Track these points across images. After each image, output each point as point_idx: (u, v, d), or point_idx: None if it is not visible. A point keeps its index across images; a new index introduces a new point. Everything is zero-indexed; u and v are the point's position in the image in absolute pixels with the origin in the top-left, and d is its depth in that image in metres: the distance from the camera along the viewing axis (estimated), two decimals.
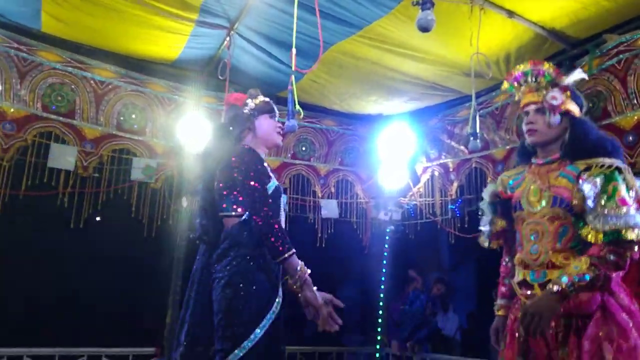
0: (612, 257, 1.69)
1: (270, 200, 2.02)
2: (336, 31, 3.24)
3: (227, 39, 3.50)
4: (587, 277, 1.67)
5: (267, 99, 2.31)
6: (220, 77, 3.64)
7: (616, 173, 1.79)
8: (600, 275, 1.68)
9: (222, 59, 3.69)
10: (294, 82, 2.24)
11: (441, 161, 4.31)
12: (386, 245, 4.87)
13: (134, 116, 3.94)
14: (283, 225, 2.06)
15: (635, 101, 2.98)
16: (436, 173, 4.37)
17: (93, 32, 3.52)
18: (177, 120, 3.93)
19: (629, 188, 1.79)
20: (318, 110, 4.50)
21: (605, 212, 1.72)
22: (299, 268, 1.94)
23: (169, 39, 3.53)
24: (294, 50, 2.38)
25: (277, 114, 2.28)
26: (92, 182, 3.78)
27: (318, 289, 2.01)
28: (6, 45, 3.45)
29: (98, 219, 4.79)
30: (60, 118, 3.68)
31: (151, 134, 3.98)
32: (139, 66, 3.91)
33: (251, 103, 2.26)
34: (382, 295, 4.93)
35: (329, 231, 4.61)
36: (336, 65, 3.67)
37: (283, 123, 2.37)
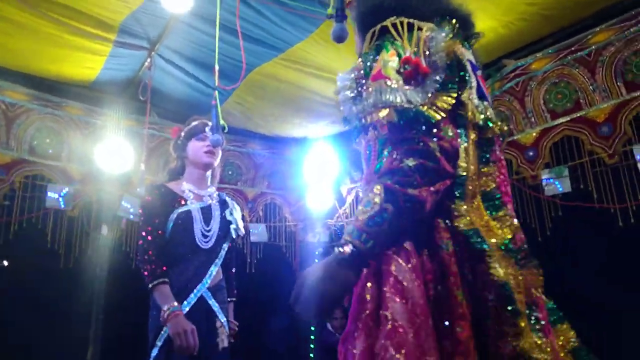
0: None
1: (165, 228, 2.19)
2: (259, 53, 3.32)
3: (148, 60, 3.47)
4: None
5: (195, 123, 2.40)
6: (141, 98, 3.59)
7: None
8: None
9: (143, 80, 3.65)
10: (217, 97, 2.27)
11: None
12: None
13: (48, 140, 3.77)
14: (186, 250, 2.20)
15: (533, 119, 3.30)
16: (360, 194, 4.52)
17: (3, 51, 3.36)
18: (95, 145, 3.79)
19: None
20: (243, 133, 4.53)
21: None
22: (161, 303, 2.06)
23: (86, 60, 3.45)
24: (216, 67, 2.42)
25: (206, 135, 2.33)
26: (3, 210, 3.55)
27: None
28: None
29: (5, 263, 4.49)
30: None
31: (67, 159, 3.81)
32: (53, 88, 3.75)
33: (183, 131, 2.40)
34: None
35: (258, 256, 4.59)
36: (259, 87, 3.74)
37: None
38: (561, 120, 3.18)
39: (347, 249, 1.04)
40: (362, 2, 1.37)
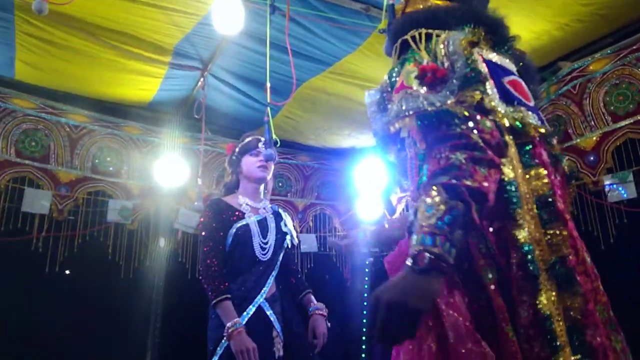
0: None
1: (226, 242, 2.26)
2: (307, 68, 3.36)
3: (201, 79, 3.59)
4: None
5: (248, 139, 2.46)
6: (195, 116, 3.71)
7: None
8: None
9: (197, 99, 3.77)
10: (269, 113, 2.32)
11: None
12: (367, 278, 4.88)
13: (109, 159, 3.96)
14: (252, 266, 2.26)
15: (593, 123, 3.16)
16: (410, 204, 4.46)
17: (67, 78, 3.57)
18: (153, 162, 3.95)
19: None
20: (293, 146, 4.58)
21: None
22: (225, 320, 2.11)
23: (143, 82, 3.60)
24: (268, 84, 2.47)
25: (260, 150, 2.38)
26: (68, 225, 3.75)
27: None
28: None
29: (67, 272, 4.74)
30: (35, 163, 3.67)
31: (127, 176, 3.98)
32: (113, 110, 3.95)
33: (237, 147, 2.46)
34: (364, 329, 4.90)
35: (309, 265, 4.61)
36: (309, 101, 3.79)
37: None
38: (623, 122, 3.03)
39: (423, 257, 0.94)
40: (396, 20, 1.39)
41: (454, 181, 0.98)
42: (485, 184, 0.99)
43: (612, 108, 3.09)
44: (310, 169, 4.76)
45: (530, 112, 1.19)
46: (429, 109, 1.09)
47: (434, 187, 0.99)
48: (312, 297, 2.43)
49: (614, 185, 3.07)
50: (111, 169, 3.96)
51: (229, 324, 2.06)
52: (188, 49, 3.27)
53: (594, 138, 3.16)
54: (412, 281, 0.94)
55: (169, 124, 4.04)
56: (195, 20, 2.93)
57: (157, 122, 4.08)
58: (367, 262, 4.83)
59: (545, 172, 1.15)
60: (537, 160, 1.16)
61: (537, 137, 1.18)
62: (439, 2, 1.34)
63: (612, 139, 3.09)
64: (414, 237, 0.98)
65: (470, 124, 1.05)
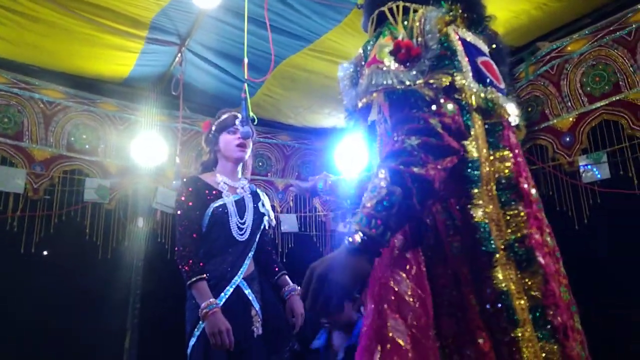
0: None
1: (202, 221, 2.24)
2: (287, 45, 3.32)
3: (179, 55, 3.52)
4: None
5: (225, 116, 2.43)
6: (173, 93, 3.65)
7: None
8: None
9: (174, 75, 3.71)
10: (247, 90, 2.29)
11: None
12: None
13: (84, 136, 3.87)
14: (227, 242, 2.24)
15: (570, 103, 3.19)
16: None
17: (40, 52, 3.46)
18: (130, 140, 3.89)
19: None
20: (273, 125, 4.56)
21: None
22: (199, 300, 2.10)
23: (119, 57, 3.52)
24: (245, 60, 2.43)
25: (237, 128, 2.35)
26: (43, 204, 3.68)
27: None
28: None
29: (45, 253, 4.67)
30: (8, 140, 3.58)
31: (104, 154, 3.91)
32: (89, 85, 3.85)
33: (214, 125, 2.42)
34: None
35: (290, 245, 4.62)
36: (288, 79, 3.75)
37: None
38: (599, 104, 3.06)
39: (358, 237, 0.98)
40: None
41: (401, 167, 1.01)
42: (432, 172, 1.01)
43: (588, 89, 3.13)
44: (291, 148, 4.74)
45: (499, 94, 1.20)
46: (398, 87, 1.09)
47: (382, 170, 1.02)
48: (288, 279, 2.43)
49: (589, 166, 3.12)
50: (87, 146, 3.88)
51: (203, 305, 2.06)
52: (165, 23, 3.19)
53: (570, 119, 3.20)
54: (344, 259, 0.98)
55: (146, 101, 3.96)
56: None
57: (133, 99, 3.99)
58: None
59: (511, 154, 1.16)
60: (504, 143, 1.17)
61: (505, 119, 1.19)
62: None
63: (587, 119, 3.13)
64: (357, 215, 1.02)
65: (433, 107, 1.06)
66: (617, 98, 2.97)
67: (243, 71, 2.51)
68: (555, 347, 1.01)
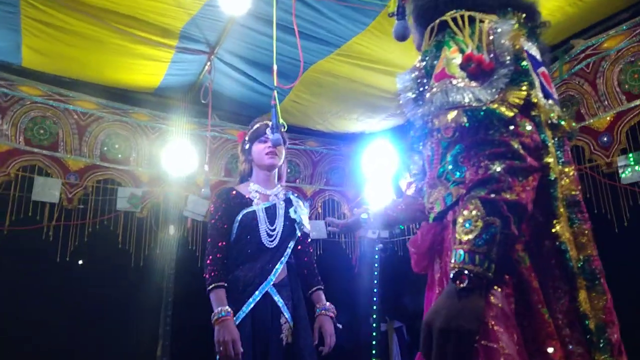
0: None
1: (231, 231, 2.28)
2: (314, 50, 3.32)
3: (208, 63, 3.56)
4: None
5: (257, 125, 2.46)
6: (202, 102, 3.68)
7: None
8: None
9: (204, 84, 3.74)
10: (276, 97, 2.29)
11: None
12: (376, 265, 4.86)
13: (117, 146, 3.95)
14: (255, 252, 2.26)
15: (607, 102, 3.09)
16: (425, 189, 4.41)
17: (73, 63, 3.55)
18: (161, 148, 3.95)
19: None
20: (301, 131, 4.56)
21: None
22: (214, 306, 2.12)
23: (150, 67, 3.58)
24: (274, 67, 2.44)
25: (267, 137, 2.35)
26: (78, 213, 3.75)
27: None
28: None
29: (80, 262, 4.77)
30: (44, 151, 3.67)
31: (135, 163, 3.98)
32: (121, 96, 3.94)
33: (247, 135, 2.47)
34: (374, 316, 4.88)
35: (318, 252, 4.60)
36: (316, 84, 3.74)
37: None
38: (638, 101, 2.96)
39: (465, 277, 0.96)
40: None
41: (492, 195, 0.98)
42: (524, 195, 0.99)
43: (626, 87, 3.02)
44: (319, 154, 4.73)
45: (557, 106, 1.17)
46: (474, 104, 1.04)
47: (472, 202, 0.99)
48: (322, 295, 2.39)
49: (628, 167, 3.00)
50: (120, 156, 3.95)
51: (215, 311, 2.07)
52: (194, 32, 3.23)
53: (608, 118, 3.09)
54: (458, 303, 0.95)
55: (176, 110, 4.03)
56: (202, 2, 2.89)
57: (164, 108, 4.06)
58: (376, 249, 4.81)
59: (573, 168, 1.14)
60: (567, 158, 1.15)
61: (567, 133, 1.17)
62: None
63: (626, 118, 3.01)
64: (454, 253, 0.99)
65: (511, 127, 1.03)
66: None
67: (272, 78, 2.51)
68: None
